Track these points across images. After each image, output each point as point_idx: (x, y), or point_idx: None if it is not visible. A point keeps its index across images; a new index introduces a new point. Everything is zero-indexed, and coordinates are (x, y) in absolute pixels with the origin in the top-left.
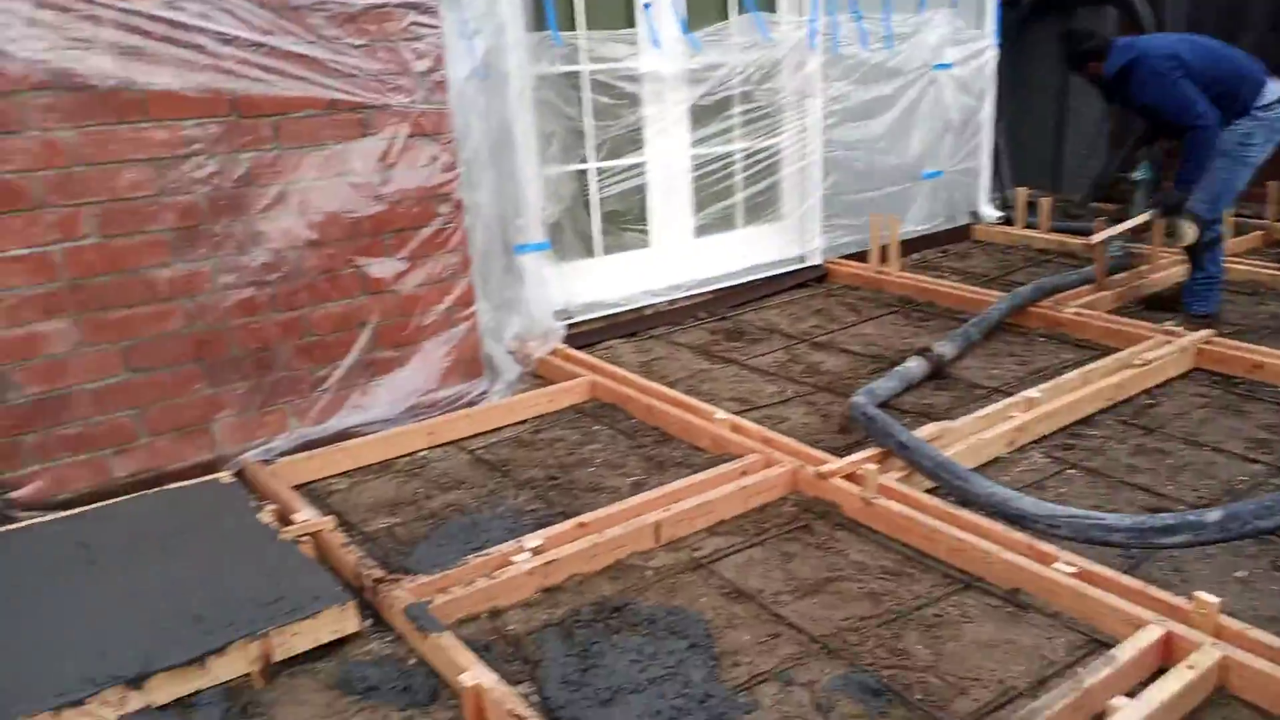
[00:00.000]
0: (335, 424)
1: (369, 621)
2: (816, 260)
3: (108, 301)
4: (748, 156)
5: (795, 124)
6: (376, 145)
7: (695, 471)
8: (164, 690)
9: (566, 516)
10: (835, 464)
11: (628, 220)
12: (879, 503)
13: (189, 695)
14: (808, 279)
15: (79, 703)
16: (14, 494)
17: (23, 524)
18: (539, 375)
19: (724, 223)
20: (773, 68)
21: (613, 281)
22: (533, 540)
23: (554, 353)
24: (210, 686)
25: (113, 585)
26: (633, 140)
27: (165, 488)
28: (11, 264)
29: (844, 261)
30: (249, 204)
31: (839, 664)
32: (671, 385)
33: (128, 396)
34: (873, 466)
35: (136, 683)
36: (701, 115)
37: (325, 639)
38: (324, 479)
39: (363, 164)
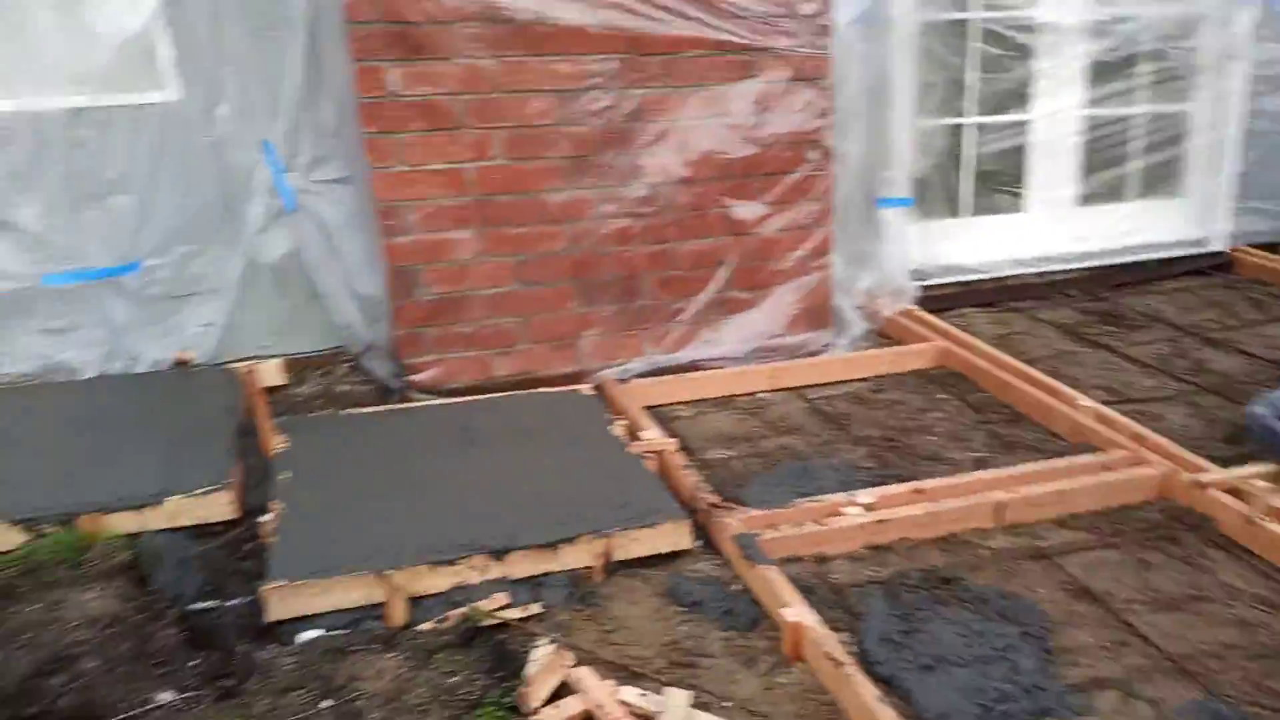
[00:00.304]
0: (685, 355)
1: (699, 542)
2: (1220, 246)
3: (507, 218)
4: (1150, 121)
5: (1212, 89)
6: (755, 88)
7: (1048, 458)
8: (520, 566)
9: (902, 480)
10: (1217, 474)
11: (1002, 181)
12: (1265, 525)
13: (539, 574)
14: (1206, 266)
15: (452, 562)
16: (414, 378)
17: (418, 404)
18: (885, 334)
19: (1111, 193)
20: (1193, 23)
21: (977, 245)
22: (866, 496)
23: (904, 313)
24: (558, 571)
25: (486, 466)
26: (1018, 96)
27: (534, 391)
28: (433, 176)
29: (1255, 251)
30: (634, 138)
31: (1193, 687)
32: (1030, 363)
33: (514, 305)
34: (1264, 484)
35: (499, 554)
36: (1100, 72)
37: (660, 550)
38: (670, 404)
39: (740, 106)
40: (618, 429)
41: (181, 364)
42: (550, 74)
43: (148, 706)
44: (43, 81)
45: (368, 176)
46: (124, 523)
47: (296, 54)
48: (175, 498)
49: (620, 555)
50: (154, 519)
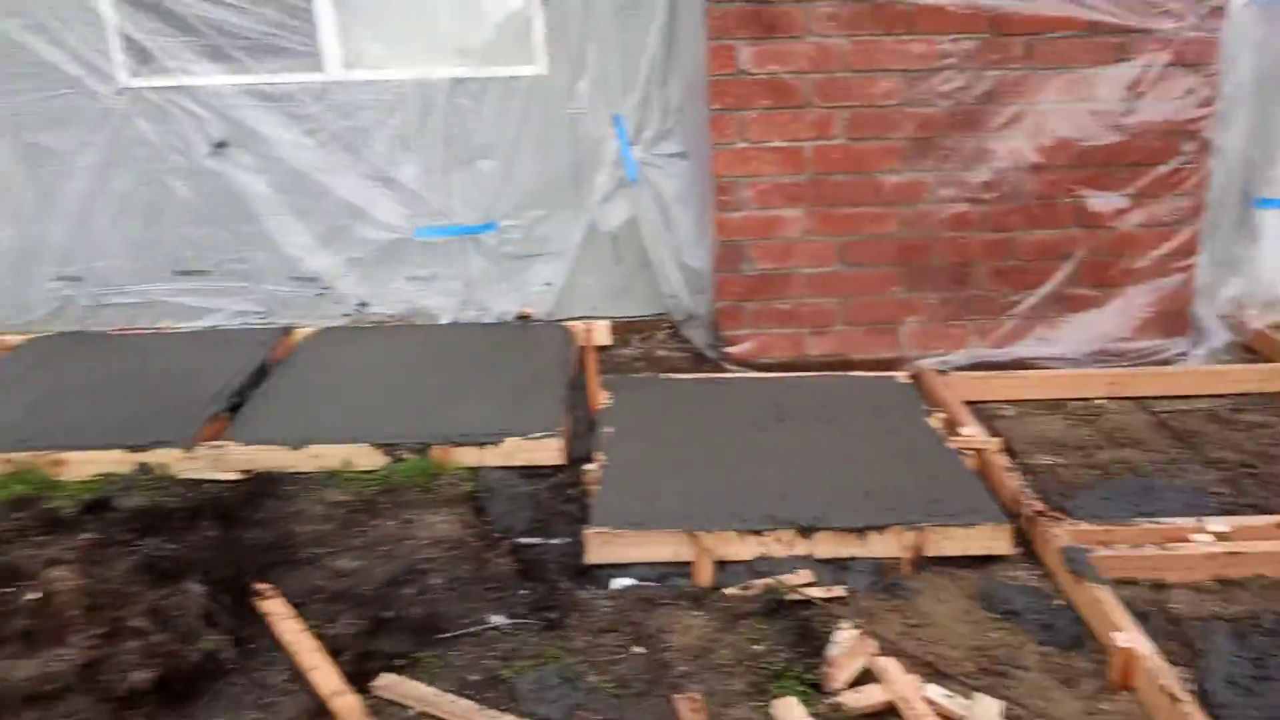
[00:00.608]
0: (1014, 351)
1: (1018, 550)
2: None
3: (839, 198)
4: None
5: None
6: (1128, 72)
7: None
8: (826, 546)
9: (1261, 511)
10: None
11: None
12: None
13: (844, 558)
14: None
15: (759, 532)
16: (730, 350)
17: (733, 376)
18: (1251, 349)
19: None
20: None
21: None
22: (1218, 524)
23: (1276, 326)
24: (863, 557)
25: (796, 444)
26: None
27: (847, 374)
28: (771, 154)
29: None
30: (983, 121)
31: None
32: None
33: (834, 286)
34: None
35: (806, 532)
36: None
37: (974, 551)
38: (992, 402)
39: (1108, 91)
40: (935, 421)
41: (523, 318)
42: (902, 54)
43: (483, 626)
44: (433, 53)
45: (706, 152)
46: (467, 456)
47: (655, 31)
48: (513, 439)
49: (931, 551)
50: (492, 456)
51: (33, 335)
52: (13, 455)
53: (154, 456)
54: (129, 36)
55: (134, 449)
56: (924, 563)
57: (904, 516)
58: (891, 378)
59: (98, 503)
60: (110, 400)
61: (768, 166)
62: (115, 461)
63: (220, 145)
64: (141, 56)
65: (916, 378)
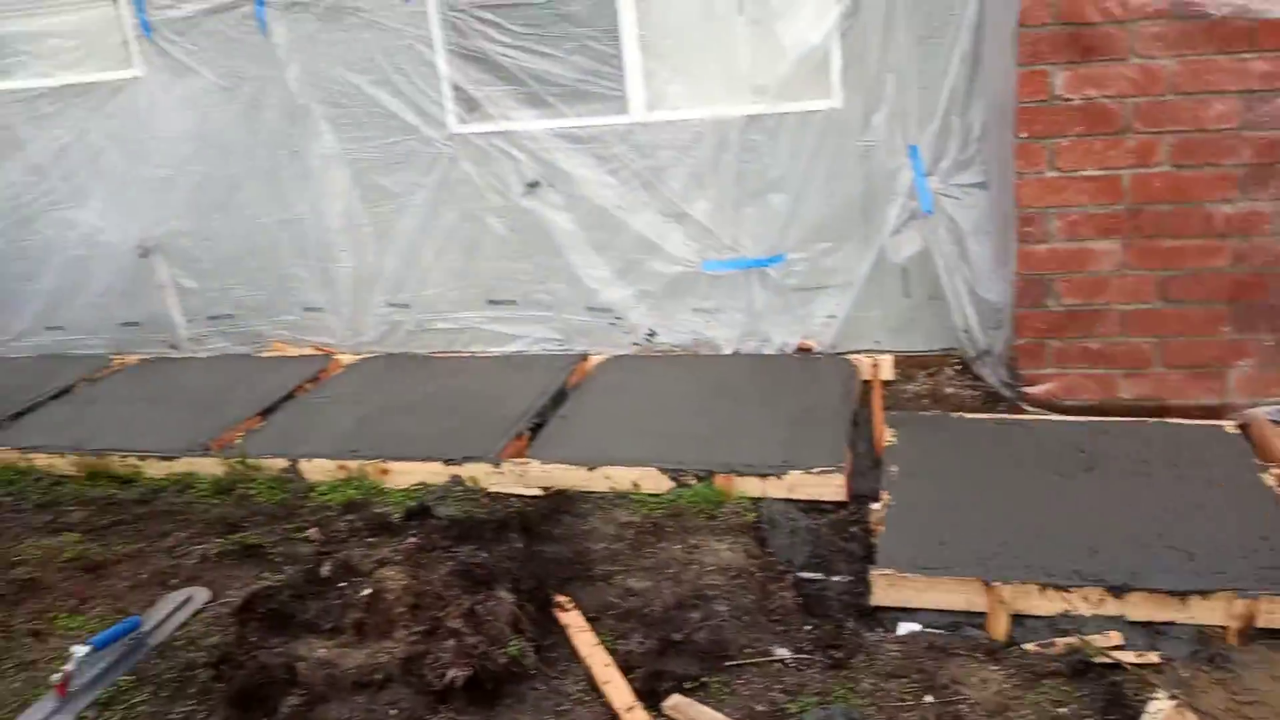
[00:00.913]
0: None
1: None
2: None
3: (1160, 230)
4: None
5: None
6: None
7: None
8: (1140, 608)
9: None
10: None
11: None
12: None
13: (1160, 622)
14: None
15: (1065, 589)
16: (1028, 389)
17: (1030, 418)
18: None
19: None
20: None
21: None
22: None
23: None
24: (1183, 623)
25: (1105, 495)
26: None
27: (1164, 420)
28: (1083, 183)
29: None
30: None
31: None
32: None
33: (1152, 324)
34: None
35: (1118, 591)
36: None
37: None
38: None
39: None
40: (1270, 478)
41: (804, 350)
42: (1241, 73)
43: (769, 658)
44: (730, 91)
45: (1009, 181)
46: (749, 486)
47: (956, 59)
48: (795, 472)
49: (1264, 622)
50: (774, 488)
51: (364, 355)
52: (347, 462)
53: (465, 470)
54: (459, 87)
55: (448, 462)
56: (1256, 635)
57: (1234, 581)
58: (1217, 427)
59: (418, 510)
60: (428, 416)
61: (1079, 196)
62: (432, 472)
63: (533, 185)
64: (469, 105)
65: (1247, 428)
